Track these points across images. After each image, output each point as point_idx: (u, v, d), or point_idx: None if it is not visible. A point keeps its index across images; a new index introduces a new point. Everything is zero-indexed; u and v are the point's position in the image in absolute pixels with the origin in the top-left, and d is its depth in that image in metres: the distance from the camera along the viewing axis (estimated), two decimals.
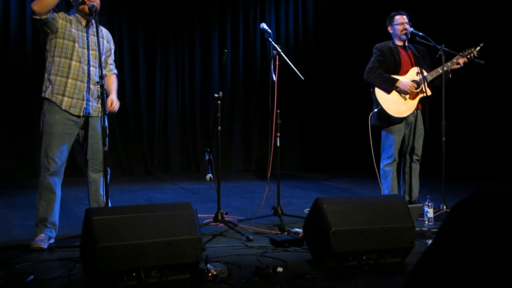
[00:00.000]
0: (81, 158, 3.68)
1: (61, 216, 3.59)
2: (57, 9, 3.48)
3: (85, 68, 3.51)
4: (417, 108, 4.58)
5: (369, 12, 7.74)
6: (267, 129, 4.38)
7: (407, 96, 4.50)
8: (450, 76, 4.55)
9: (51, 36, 3.48)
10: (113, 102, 3.69)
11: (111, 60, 3.83)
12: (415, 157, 4.62)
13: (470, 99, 7.07)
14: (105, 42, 3.71)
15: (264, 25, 4.33)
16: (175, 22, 7.84)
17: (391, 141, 4.53)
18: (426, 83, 4.50)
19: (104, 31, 3.75)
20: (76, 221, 4.03)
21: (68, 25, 3.50)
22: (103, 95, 3.29)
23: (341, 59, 8.11)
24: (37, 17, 3.34)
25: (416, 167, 4.64)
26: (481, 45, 4.54)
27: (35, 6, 3.34)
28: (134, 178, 7.24)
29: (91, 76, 3.53)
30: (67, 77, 3.49)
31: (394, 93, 4.49)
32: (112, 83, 3.82)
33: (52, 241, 3.48)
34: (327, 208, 2.96)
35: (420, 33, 4.51)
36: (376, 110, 4.54)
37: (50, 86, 3.49)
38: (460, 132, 6.89)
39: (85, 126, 3.56)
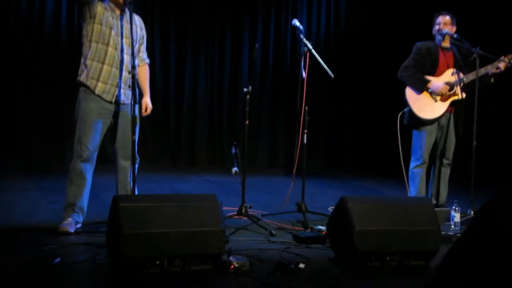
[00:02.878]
0: (111, 145, 3.73)
1: (89, 202, 3.66)
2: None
3: (120, 55, 3.55)
4: (449, 111, 4.49)
5: (404, 11, 7.61)
6: (295, 125, 4.38)
7: (438, 98, 4.42)
8: (492, 80, 4.41)
9: (89, 21, 3.53)
10: (148, 106, 3.78)
11: (143, 48, 3.87)
12: (445, 161, 4.54)
13: (505, 103, 6.91)
14: (138, 30, 3.75)
15: (295, 21, 4.32)
16: (207, 15, 7.86)
17: (421, 142, 4.46)
18: (461, 86, 4.41)
19: (137, 19, 3.78)
20: (103, 207, 4.08)
21: (106, 12, 3.55)
22: (134, 84, 3.34)
23: (373, 58, 8.00)
24: None
25: (446, 171, 4.56)
26: None
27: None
28: (160, 168, 7.31)
29: (125, 64, 3.58)
30: (103, 63, 3.54)
31: (424, 94, 4.42)
32: (145, 75, 3.87)
33: (79, 225, 3.55)
34: (352, 207, 2.94)
35: (455, 35, 4.42)
36: (406, 109, 4.49)
37: (86, 70, 3.55)
38: (493, 137, 6.74)
39: (117, 113, 3.61)
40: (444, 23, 4.46)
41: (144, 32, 3.85)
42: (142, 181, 3.71)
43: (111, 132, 3.70)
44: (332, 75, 4.12)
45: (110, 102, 3.58)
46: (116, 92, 3.57)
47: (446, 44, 4.51)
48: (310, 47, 4.14)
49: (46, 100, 6.86)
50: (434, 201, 4.51)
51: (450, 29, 4.44)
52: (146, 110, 3.80)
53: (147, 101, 3.83)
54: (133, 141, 3.33)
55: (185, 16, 7.75)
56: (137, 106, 3.40)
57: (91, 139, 3.54)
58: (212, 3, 7.84)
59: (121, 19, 3.59)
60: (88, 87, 3.54)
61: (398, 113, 4.55)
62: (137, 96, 3.32)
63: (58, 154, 6.85)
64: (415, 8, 7.18)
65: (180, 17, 7.74)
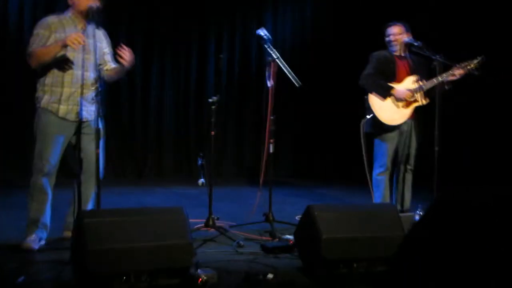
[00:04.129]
0: (73, 160, 3.66)
1: (51, 218, 3.58)
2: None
3: (79, 74, 3.44)
4: (411, 117, 4.59)
5: (368, 19, 7.75)
6: (261, 135, 4.39)
7: (401, 105, 4.52)
8: (446, 87, 4.51)
9: None
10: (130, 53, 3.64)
11: (109, 57, 3.79)
12: (408, 167, 4.64)
13: (465, 108, 7.10)
14: (101, 45, 3.68)
15: (260, 31, 4.32)
16: (172, 25, 7.82)
17: (384, 150, 4.55)
18: (422, 93, 4.52)
19: (101, 32, 3.72)
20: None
21: (61, 35, 3.46)
22: (98, 97, 3.29)
23: (338, 66, 8.10)
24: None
25: (409, 177, 4.65)
26: (479, 57, 4.41)
27: (32, 63, 3.44)
28: (126, 181, 7.22)
29: (85, 81, 3.46)
30: (62, 86, 3.48)
31: (388, 100, 4.51)
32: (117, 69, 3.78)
33: (43, 242, 3.46)
34: (318, 215, 2.97)
35: (416, 43, 4.51)
36: (369, 117, 4.56)
37: (46, 96, 3.49)
38: (454, 142, 6.92)
39: (79, 129, 3.55)
40: (398, 33, 4.58)
41: (107, 43, 3.78)
42: (107, 195, 3.65)
43: (74, 147, 3.63)
44: (298, 83, 4.13)
45: (73, 121, 3.52)
46: (78, 110, 3.50)
47: (401, 52, 4.63)
48: (276, 56, 4.14)
49: (6, 115, 6.68)
50: (398, 207, 4.59)
51: (405, 37, 4.56)
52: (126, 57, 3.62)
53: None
54: (97, 155, 3.27)
55: (150, 27, 7.71)
56: (100, 120, 3.33)
57: (52, 153, 3.47)
58: (177, 13, 7.80)
59: (83, 32, 3.49)
60: (50, 111, 3.48)
61: (362, 120, 4.62)
62: (100, 110, 3.25)
63: (20, 169, 6.68)
64: (379, 16, 7.33)
65: (146, 28, 7.68)
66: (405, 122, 4.55)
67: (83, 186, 3.49)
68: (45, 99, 3.49)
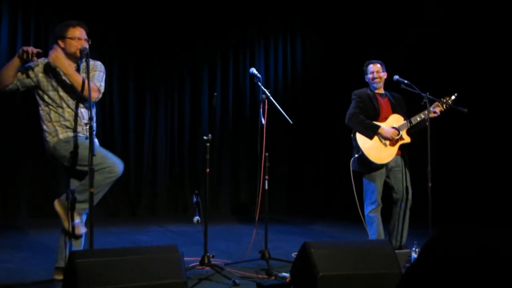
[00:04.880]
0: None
1: (42, 260, 3.53)
2: (32, 62, 3.47)
3: (72, 112, 3.49)
4: (398, 154, 4.65)
5: (355, 58, 7.91)
6: (256, 172, 4.39)
7: (388, 143, 4.57)
8: (427, 123, 4.59)
9: (34, 90, 3.52)
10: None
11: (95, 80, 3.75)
12: (402, 204, 4.63)
13: (454, 145, 7.16)
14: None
15: (253, 70, 4.42)
16: (166, 63, 7.93)
17: (373, 187, 4.57)
18: (404, 130, 4.60)
19: (96, 62, 3.73)
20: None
21: (50, 75, 3.49)
22: (91, 135, 3.27)
23: (328, 103, 8.21)
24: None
25: (403, 213, 4.64)
26: (455, 94, 4.69)
27: None
28: (120, 220, 7.15)
29: (79, 119, 3.50)
30: (59, 122, 3.50)
31: (375, 139, 4.56)
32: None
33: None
34: (314, 253, 2.95)
35: (405, 81, 4.61)
36: (357, 155, 4.59)
37: (45, 133, 3.52)
38: (447, 177, 6.94)
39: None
40: (376, 71, 4.68)
41: (97, 70, 3.74)
42: (101, 235, 3.62)
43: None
44: (291, 121, 4.21)
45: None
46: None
47: (381, 90, 4.72)
48: (268, 94, 4.23)
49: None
50: (395, 243, 4.57)
51: (382, 75, 4.67)
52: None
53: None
54: (91, 194, 3.22)
55: (143, 65, 7.80)
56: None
57: None
58: (170, 52, 7.92)
59: (77, 70, 3.54)
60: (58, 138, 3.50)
61: (352, 156, 4.65)
62: (94, 149, 3.21)
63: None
64: (366, 54, 7.49)
65: (139, 66, 7.77)
66: (392, 159, 4.59)
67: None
68: (58, 131, 3.50)
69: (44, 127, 3.52)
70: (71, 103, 3.52)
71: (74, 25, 3.55)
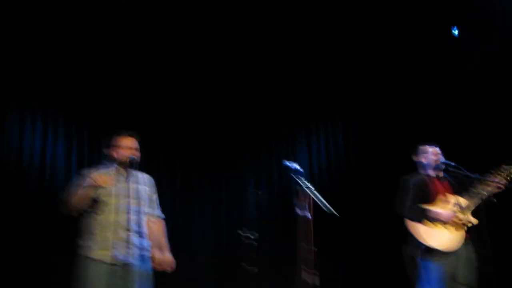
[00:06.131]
0: None
1: None
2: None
3: (125, 218, 3.53)
4: (467, 239, 4.39)
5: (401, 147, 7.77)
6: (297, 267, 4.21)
7: (453, 228, 4.32)
8: (495, 200, 4.35)
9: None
10: (167, 260, 3.68)
11: (155, 204, 3.86)
12: None
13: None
14: (146, 188, 3.80)
15: (287, 163, 4.32)
16: (209, 165, 7.96)
17: (439, 274, 4.25)
18: (469, 213, 4.35)
19: (146, 177, 3.86)
20: None
21: (106, 188, 3.61)
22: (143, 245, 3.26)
23: (375, 193, 7.99)
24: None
25: None
26: None
27: (67, 208, 3.54)
28: None
29: (130, 226, 3.53)
30: (108, 232, 3.53)
31: (438, 226, 4.34)
32: (161, 231, 3.80)
33: None
34: None
35: (453, 163, 4.49)
36: (423, 246, 4.33)
37: (90, 243, 3.53)
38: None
39: (126, 274, 3.49)
40: (436, 153, 4.58)
41: (154, 190, 3.89)
42: None
43: None
44: (337, 214, 4.06)
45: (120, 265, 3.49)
46: (124, 253, 3.49)
47: (441, 173, 4.57)
48: (305, 185, 4.12)
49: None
50: None
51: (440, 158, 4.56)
52: (164, 265, 3.64)
53: (167, 255, 3.69)
54: None
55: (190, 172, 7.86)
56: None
57: None
58: (212, 156, 8.00)
59: (128, 180, 3.63)
60: (93, 259, 3.48)
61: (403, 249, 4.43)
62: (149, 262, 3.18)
63: None
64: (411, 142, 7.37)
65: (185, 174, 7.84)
66: (462, 246, 4.31)
67: None
68: (90, 246, 3.50)
69: None
70: None
71: (126, 135, 3.72)
